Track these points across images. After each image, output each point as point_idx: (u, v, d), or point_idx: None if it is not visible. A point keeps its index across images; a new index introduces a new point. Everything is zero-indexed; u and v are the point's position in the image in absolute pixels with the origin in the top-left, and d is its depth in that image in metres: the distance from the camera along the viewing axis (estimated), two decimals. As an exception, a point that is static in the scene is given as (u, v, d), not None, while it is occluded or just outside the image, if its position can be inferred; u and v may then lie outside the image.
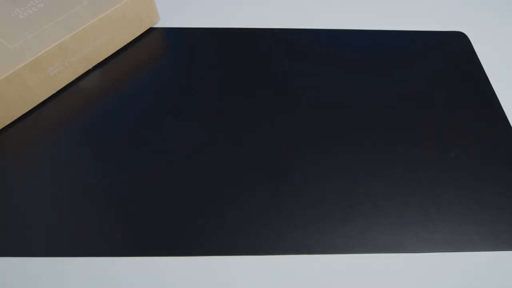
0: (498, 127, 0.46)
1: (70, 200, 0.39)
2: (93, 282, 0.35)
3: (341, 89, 0.48)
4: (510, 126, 0.46)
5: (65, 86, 0.47)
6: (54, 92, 0.46)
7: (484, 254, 0.37)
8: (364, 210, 0.39)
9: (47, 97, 0.45)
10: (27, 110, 0.44)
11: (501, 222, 0.39)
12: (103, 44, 0.48)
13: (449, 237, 0.38)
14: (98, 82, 0.47)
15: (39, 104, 0.45)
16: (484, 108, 0.47)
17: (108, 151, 0.42)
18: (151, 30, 0.53)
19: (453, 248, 0.37)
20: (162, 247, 0.36)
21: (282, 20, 0.56)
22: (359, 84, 0.49)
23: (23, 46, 0.42)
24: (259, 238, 0.37)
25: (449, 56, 0.53)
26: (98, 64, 0.49)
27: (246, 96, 0.47)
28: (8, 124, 0.44)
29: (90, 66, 0.48)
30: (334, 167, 0.42)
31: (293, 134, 0.44)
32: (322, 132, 0.44)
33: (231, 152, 0.42)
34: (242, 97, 0.47)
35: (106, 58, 0.50)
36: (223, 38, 0.53)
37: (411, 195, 0.40)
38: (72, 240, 0.36)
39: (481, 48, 0.54)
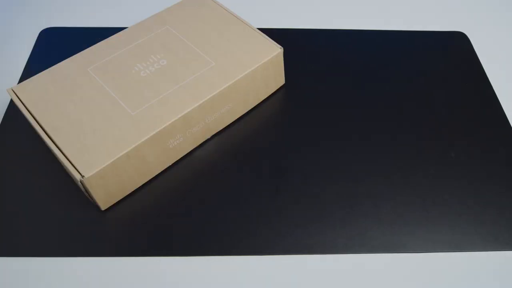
0: (498, 127, 0.46)
1: (70, 200, 0.39)
2: (93, 282, 0.35)
3: (341, 89, 0.48)
4: (510, 126, 0.46)
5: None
6: (169, 164, 0.41)
7: (484, 254, 0.37)
8: (364, 210, 0.39)
9: (161, 170, 0.40)
10: (139, 185, 0.39)
11: (501, 222, 0.39)
12: (227, 112, 0.42)
13: (449, 237, 0.38)
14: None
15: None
16: (484, 108, 0.47)
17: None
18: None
19: (453, 248, 0.37)
20: (162, 247, 0.36)
21: (282, 20, 0.56)
22: (359, 84, 0.49)
23: (146, 114, 0.38)
24: (259, 238, 0.37)
25: (449, 56, 0.53)
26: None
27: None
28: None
29: (209, 135, 0.43)
30: (334, 167, 0.42)
31: (293, 134, 0.44)
32: (322, 132, 0.44)
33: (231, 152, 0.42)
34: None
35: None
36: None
37: (411, 195, 0.40)
38: (72, 240, 0.36)
39: (481, 48, 0.54)
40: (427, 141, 0.44)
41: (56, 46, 0.52)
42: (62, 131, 0.37)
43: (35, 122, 0.38)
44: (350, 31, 0.55)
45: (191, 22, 0.46)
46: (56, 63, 0.50)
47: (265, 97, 0.46)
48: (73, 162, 0.35)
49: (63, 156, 0.35)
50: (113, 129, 0.37)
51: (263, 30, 0.54)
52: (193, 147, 0.42)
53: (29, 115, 0.38)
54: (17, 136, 0.43)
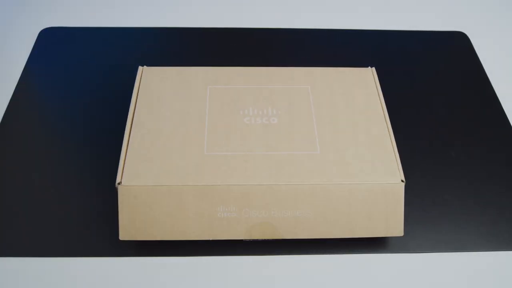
0: (498, 127, 0.46)
1: (70, 200, 0.39)
2: (93, 282, 0.35)
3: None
4: (510, 126, 0.46)
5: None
6: (210, 239, 0.34)
7: (484, 254, 0.37)
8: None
9: (196, 238, 0.34)
10: (164, 238, 0.34)
11: (501, 222, 0.39)
12: (301, 222, 0.34)
13: (449, 237, 0.38)
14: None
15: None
16: (484, 108, 0.47)
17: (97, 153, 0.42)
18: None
19: (453, 248, 0.37)
20: (162, 247, 0.36)
21: (282, 20, 0.56)
22: (359, 84, 0.48)
23: (214, 162, 0.34)
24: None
25: (449, 56, 0.53)
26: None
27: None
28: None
29: (269, 237, 0.35)
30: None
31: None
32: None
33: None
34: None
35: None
36: (221, 38, 0.53)
37: (411, 195, 0.40)
38: (72, 240, 0.36)
39: (481, 48, 0.54)
40: (427, 141, 0.44)
41: (56, 46, 0.52)
42: (142, 131, 0.36)
43: (133, 106, 0.38)
44: (350, 31, 0.55)
45: (335, 95, 0.40)
46: (56, 63, 0.50)
47: (366, 236, 0.35)
48: (125, 165, 0.34)
49: (125, 153, 0.35)
50: (177, 156, 0.35)
51: (262, 30, 0.54)
52: (246, 238, 0.35)
53: (135, 96, 0.39)
54: (17, 136, 0.43)
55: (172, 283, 0.35)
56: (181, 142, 0.36)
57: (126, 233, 0.34)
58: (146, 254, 0.36)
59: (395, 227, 0.35)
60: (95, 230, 0.37)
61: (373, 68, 0.42)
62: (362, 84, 0.41)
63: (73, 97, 0.47)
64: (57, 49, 0.51)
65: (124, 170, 0.34)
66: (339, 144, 0.36)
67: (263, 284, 0.35)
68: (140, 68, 0.41)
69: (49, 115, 0.45)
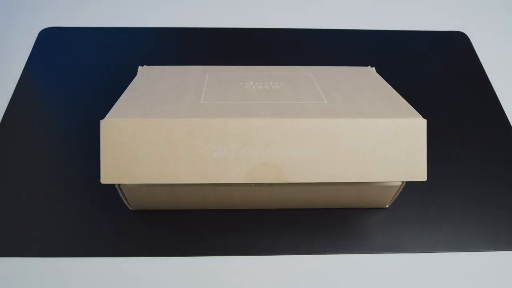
0: (498, 127, 0.46)
1: (70, 200, 0.39)
2: (93, 282, 0.35)
3: (341, 89, 0.48)
4: (510, 126, 0.46)
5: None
6: (205, 182, 0.31)
7: (484, 254, 0.37)
8: (364, 210, 0.39)
9: (191, 181, 0.30)
10: (153, 182, 0.31)
11: (501, 222, 0.39)
12: (308, 161, 0.30)
13: (449, 237, 0.38)
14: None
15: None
16: (484, 108, 0.47)
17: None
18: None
19: (453, 248, 0.37)
20: (162, 247, 0.36)
21: (282, 20, 0.56)
22: (359, 84, 0.49)
23: (213, 107, 0.31)
24: (259, 238, 0.37)
25: (449, 56, 0.53)
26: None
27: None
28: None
29: (273, 181, 0.31)
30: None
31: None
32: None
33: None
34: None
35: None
36: (220, 38, 0.53)
37: (411, 195, 0.40)
38: (72, 240, 0.36)
39: (481, 48, 0.54)
40: (427, 141, 0.44)
41: (55, 46, 0.52)
42: (138, 90, 0.35)
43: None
44: (350, 31, 0.55)
45: (336, 75, 0.39)
46: (56, 63, 0.50)
47: (383, 180, 0.31)
48: (114, 107, 0.31)
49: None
50: (171, 102, 0.32)
51: (261, 30, 0.54)
52: (245, 181, 0.31)
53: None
54: (17, 136, 0.43)
55: (172, 283, 0.35)
56: (177, 93, 0.34)
57: (108, 175, 0.30)
58: (147, 254, 0.36)
59: (416, 170, 0.31)
60: (96, 230, 0.37)
61: (373, 68, 0.42)
62: (364, 72, 0.41)
63: (73, 97, 0.47)
64: (57, 49, 0.52)
65: (112, 110, 0.31)
66: (344, 94, 0.34)
67: (263, 284, 0.35)
68: (140, 68, 0.41)
69: (49, 115, 0.45)
